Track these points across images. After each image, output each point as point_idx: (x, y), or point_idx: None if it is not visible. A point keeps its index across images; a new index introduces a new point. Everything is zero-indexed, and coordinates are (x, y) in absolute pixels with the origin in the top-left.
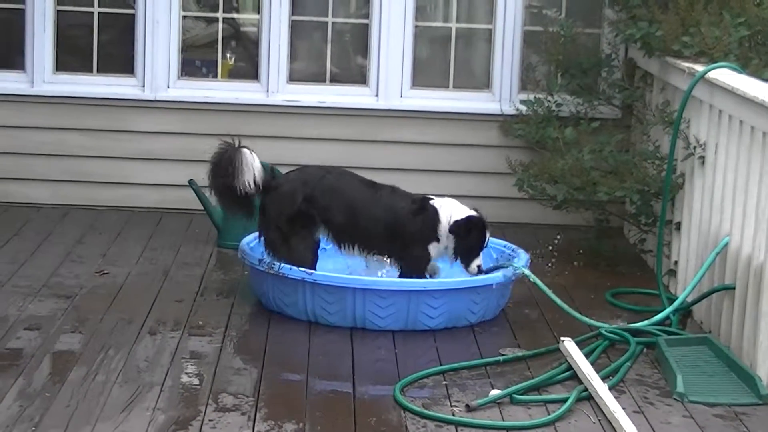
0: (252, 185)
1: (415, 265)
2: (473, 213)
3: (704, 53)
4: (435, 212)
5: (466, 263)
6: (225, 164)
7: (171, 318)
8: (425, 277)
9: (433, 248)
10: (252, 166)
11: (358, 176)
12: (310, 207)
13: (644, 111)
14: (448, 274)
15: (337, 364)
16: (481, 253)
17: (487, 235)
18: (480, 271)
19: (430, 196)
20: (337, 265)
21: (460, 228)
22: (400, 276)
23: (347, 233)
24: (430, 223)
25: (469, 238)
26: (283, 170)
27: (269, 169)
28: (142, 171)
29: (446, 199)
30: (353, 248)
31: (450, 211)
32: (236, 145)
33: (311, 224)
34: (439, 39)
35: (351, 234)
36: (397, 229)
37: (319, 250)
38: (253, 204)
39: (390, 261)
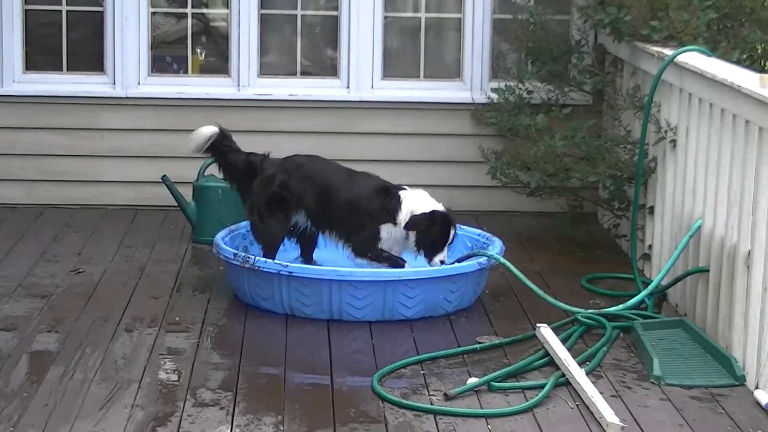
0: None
1: (362, 242)
2: (439, 208)
3: (673, 37)
4: (398, 198)
5: (429, 258)
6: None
7: (147, 315)
8: (377, 261)
9: (384, 230)
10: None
11: (339, 165)
12: (283, 191)
13: (615, 96)
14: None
15: (314, 356)
16: (445, 249)
17: (452, 231)
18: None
19: (404, 186)
20: None
21: (419, 221)
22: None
23: (319, 216)
24: (389, 206)
25: (429, 232)
26: None
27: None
28: (116, 168)
29: (418, 191)
30: (325, 232)
31: (415, 203)
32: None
33: (286, 208)
34: (409, 29)
35: (322, 217)
36: (356, 207)
37: (290, 238)
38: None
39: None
